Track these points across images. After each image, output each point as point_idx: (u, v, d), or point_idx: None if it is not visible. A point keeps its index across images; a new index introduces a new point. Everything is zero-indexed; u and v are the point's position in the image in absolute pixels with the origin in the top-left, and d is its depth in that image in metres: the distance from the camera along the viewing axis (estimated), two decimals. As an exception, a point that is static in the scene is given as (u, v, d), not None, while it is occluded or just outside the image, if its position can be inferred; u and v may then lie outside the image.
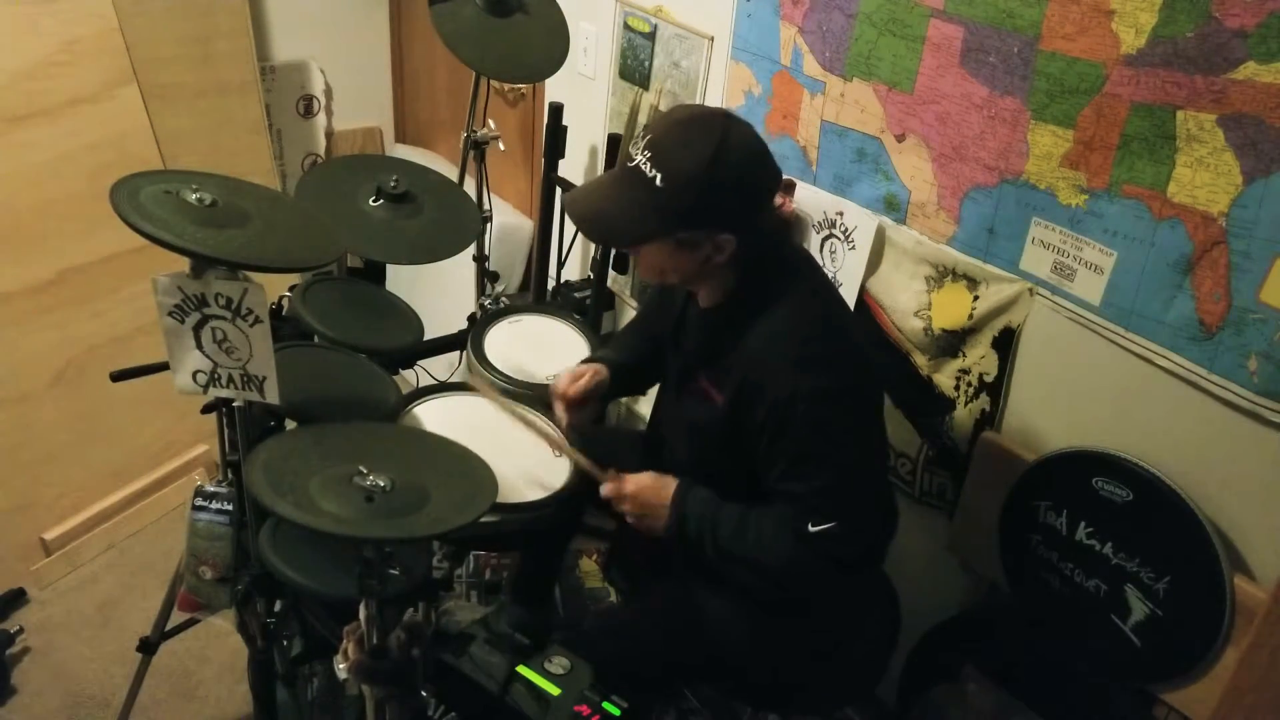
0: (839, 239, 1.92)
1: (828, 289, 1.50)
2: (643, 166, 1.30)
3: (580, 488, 1.61)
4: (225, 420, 1.47)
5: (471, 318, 2.34)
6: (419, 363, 2.21)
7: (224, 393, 1.34)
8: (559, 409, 1.61)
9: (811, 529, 1.32)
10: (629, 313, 2.67)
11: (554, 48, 2.14)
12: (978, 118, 1.61)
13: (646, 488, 1.48)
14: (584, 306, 2.49)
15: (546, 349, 2.07)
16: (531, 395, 1.83)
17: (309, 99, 3.21)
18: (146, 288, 1.25)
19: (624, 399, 2.77)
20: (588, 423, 1.67)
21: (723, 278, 1.42)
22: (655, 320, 1.74)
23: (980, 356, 1.72)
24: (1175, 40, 1.32)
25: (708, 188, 1.28)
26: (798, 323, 1.37)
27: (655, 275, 1.43)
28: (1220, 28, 1.27)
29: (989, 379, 1.72)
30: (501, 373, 1.93)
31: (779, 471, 1.35)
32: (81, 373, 2.40)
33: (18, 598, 2.36)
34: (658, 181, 1.28)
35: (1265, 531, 1.39)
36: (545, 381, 1.91)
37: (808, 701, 1.63)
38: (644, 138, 1.32)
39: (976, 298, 1.70)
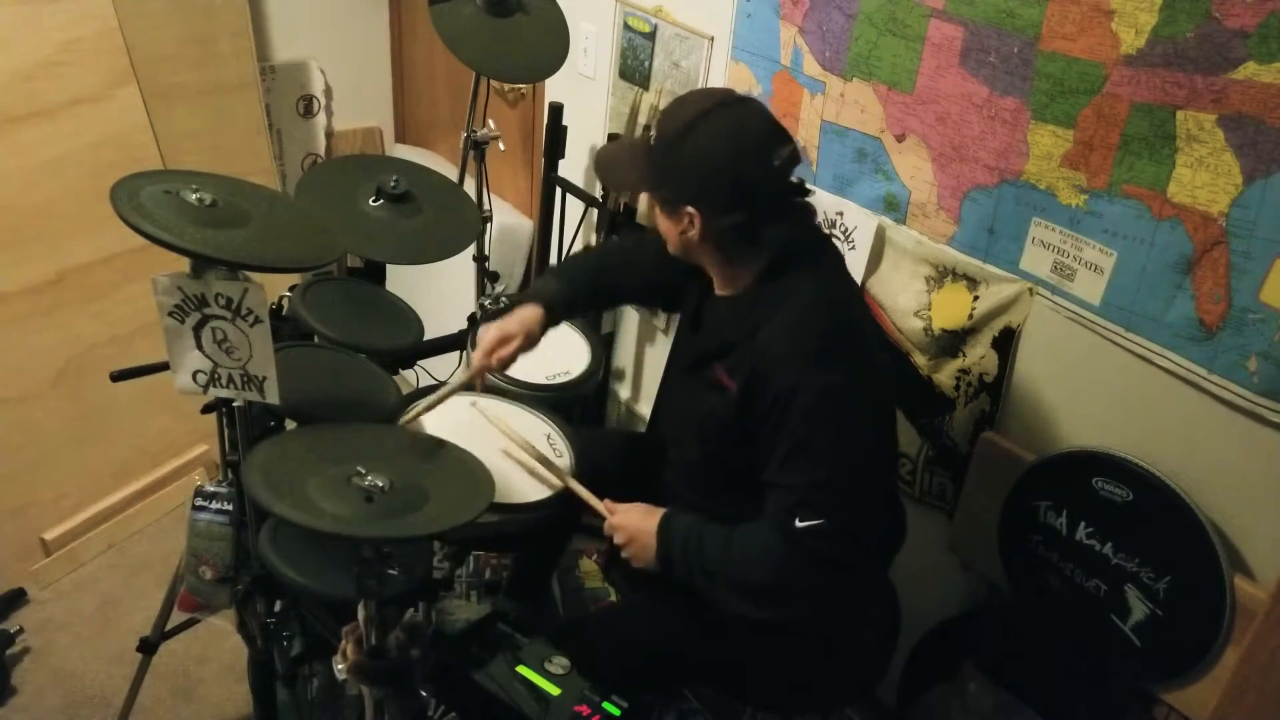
0: (839, 239, 1.92)
1: (848, 284, 1.51)
2: (652, 123, 1.41)
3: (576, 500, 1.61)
4: (225, 420, 1.47)
5: (471, 318, 2.34)
6: (419, 363, 2.21)
7: (224, 393, 1.34)
8: (477, 363, 1.57)
9: (798, 524, 1.29)
10: (629, 313, 2.67)
11: (554, 48, 2.14)
12: (978, 118, 1.61)
13: (634, 518, 1.48)
14: (584, 306, 2.49)
15: (546, 349, 2.07)
16: (531, 396, 1.83)
17: (309, 99, 3.21)
18: (146, 288, 1.25)
19: (624, 400, 2.77)
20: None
21: (726, 264, 1.44)
22: (636, 251, 1.73)
23: (980, 356, 1.72)
24: (1175, 40, 1.32)
25: (675, 152, 1.35)
26: (811, 316, 1.37)
27: (663, 240, 1.48)
28: (1220, 28, 1.27)
29: (989, 379, 1.72)
30: (501, 372, 1.93)
31: (776, 462, 1.34)
32: (81, 373, 2.40)
33: (18, 598, 2.36)
34: (652, 139, 1.39)
35: (1265, 531, 1.39)
36: (545, 381, 1.92)
37: (808, 701, 1.63)
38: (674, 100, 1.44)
39: (976, 298, 1.70)
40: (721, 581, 1.38)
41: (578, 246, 2.71)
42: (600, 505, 1.53)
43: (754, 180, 1.35)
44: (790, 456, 1.33)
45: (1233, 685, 1.38)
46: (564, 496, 1.57)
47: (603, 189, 2.43)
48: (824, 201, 1.94)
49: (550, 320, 1.62)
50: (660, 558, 1.43)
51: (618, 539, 1.49)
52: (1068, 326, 1.58)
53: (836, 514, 1.30)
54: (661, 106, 2.30)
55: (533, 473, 1.58)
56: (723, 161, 1.33)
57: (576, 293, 1.67)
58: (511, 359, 1.58)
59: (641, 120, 2.38)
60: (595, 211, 2.51)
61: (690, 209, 1.36)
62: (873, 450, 1.39)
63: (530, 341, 1.59)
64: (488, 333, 1.59)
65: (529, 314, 1.60)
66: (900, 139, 1.76)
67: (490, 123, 2.21)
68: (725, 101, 1.35)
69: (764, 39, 1.98)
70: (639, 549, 1.46)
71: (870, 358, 1.42)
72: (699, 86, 2.18)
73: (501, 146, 2.26)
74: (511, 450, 1.60)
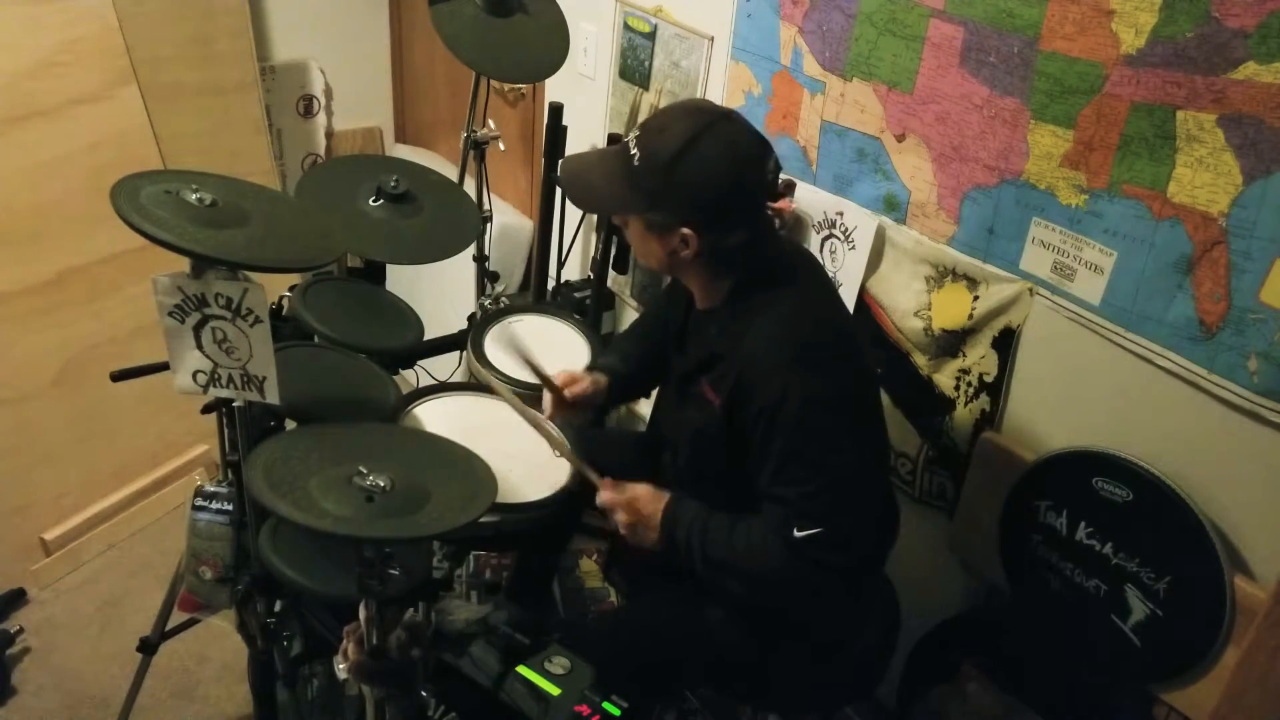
0: (839, 239, 1.92)
1: (827, 291, 1.50)
2: (630, 143, 1.35)
3: (580, 488, 1.61)
4: (225, 420, 1.47)
5: (471, 318, 2.34)
6: (419, 363, 2.21)
7: (224, 393, 1.34)
8: (548, 403, 1.62)
9: (797, 534, 1.30)
10: (629, 313, 2.67)
11: (554, 48, 2.14)
12: (978, 118, 1.61)
13: (640, 497, 1.47)
14: (584, 306, 2.49)
15: (546, 349, 2.07)
16: (532, 395, 1.83)
17: (309, 99, 3.21)
18: (146, 288, 1.25)
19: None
20: (576, 424, 1.68)
21: (712, 278, 1.43)
22: (656, 324, 1.74)
23: (980, 356, 1.72)
24: (1175, 40, 1.32)
25: (670, 176, 1.30)
26: (793, 325, 1.36)
27: (640, 257, 1.46)
28: (1220, 28, 1.27)
29: (989, 379, 1.72)
30: (501, 373, 1.93)
31: (768, 474, 1.34)
32: (81, 373, 2.40)
33: (18, 598, 2.36)
34: (635, 160, 1.33)
35: (1265, 531, 1.39)
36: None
37: (808, 701, 1.63)
38: (647, 119, 1.38)
39: (976, 298, 1.70)
40: (721, 570, 1.39)
41: (578, 247, 2.71)
42: (596, 478, 1.51)
43: (753, 198, 1.35)
44: (782, 468, 1.33)
45: (1233, 685, 1.38)
46: (565, 495, 1.57)
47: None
48: (824, 201, 1.94)
49: (613, 389, 1.69)
50: (664, 542, 1.43)
51: (619, 516, 1.48)
52: (1068, 326, 1.58)
53: (833, 522, 1.31)
54: (663, 106, 2.31)
55: (544, 434, 1.58)
56: (724, 183, 1.31)
57: (629, 364, 1.73)
58: (582, 397, 1.63)
59: (642, 120, 2.38)
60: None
61: (687, 231, 1.33)
62: (864, 454, 1.39)
63: (595, 387, 1.65)
64: (559, 375, 1.64)
65: (598, 375, 1.68)
66: (900, 139, 1.76)
67: (490, 123, 2.21)
68: (713, 120, 1.31)
69: (764, 39, 1.98)
70: (641, 530, 1.46)
71: (854, 361, 1.42)
72: (699, 86, 2.18)
73: (501, 146, 2.26)
74: (514, 407, 1.60)
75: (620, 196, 1.37)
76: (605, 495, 1.49)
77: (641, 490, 1.48)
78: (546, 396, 1.63)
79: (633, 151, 1.33)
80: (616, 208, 1.42)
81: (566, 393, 1.61)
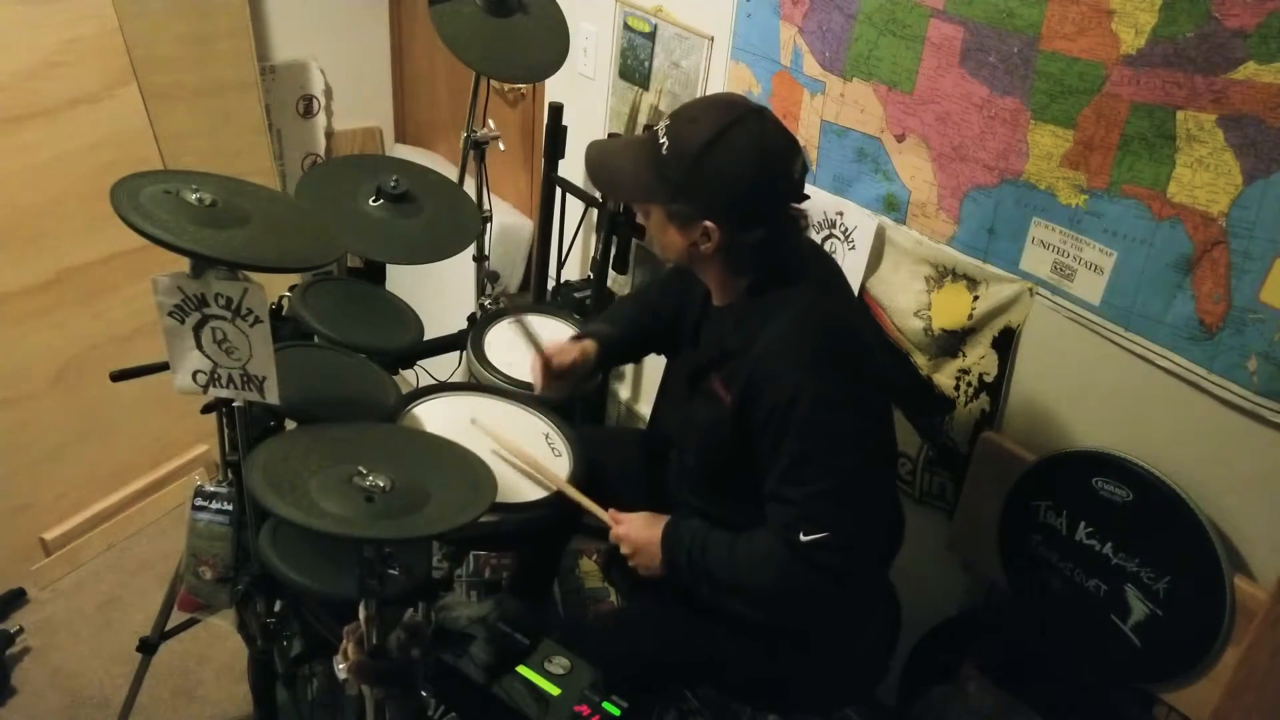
0: (839, 239, 1.92)
1: (843, 292, 1.50)
2: (659, 131, 1.34)
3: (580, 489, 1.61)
4: (225, 420, 1.47)
5: (471, 318, 2.34)
6: (419, 363, 2.21)
7: (224, 393, 1.34)
8: (537, 372, 1.63)
9: (803, 538, 1.29)
10: (629, 313, 2.67)
11: (554, 48, 2.14)
12: (978, 118, 1.61)
13: (638, 527, 1.48)
14: (584, 306, 2.49)
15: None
16: (531, 395, 1.83)
17: (309, 99, 3.21)
18: (146, 288, 1.25)
19: (624, 400, 2.78)
20: (560, 394, 1.69)
21: (729, 275, 1.43)
22: (661, 297, 1.73)
23: (980, 356, 1.72)
24: (1175, 40, 1.32)
25: (696, 167, 1.30)
26: (806, 326, 1.36)
27: (659, 249, 1.46)
28: (1220, 28, 1.27)
29: (989, 379, 1.72)
30: (501, 373, 1.93)
31: (776, 475, 1.34)
32: (81, 373, 2.40)
33: (18, 598, 2.36)
34: (664, 149, 1.33)
35: (1265, 531, 1.39)
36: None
37: (808, 701, 1.63)
38: (679, 108, 1.39)
39: (976, 298, 1.70)
40: (726, 588, 1.39)
41: (578, 247, 2.71)
42: (605, 515, 1.53)
43: (778, 196, 1.35)
44: (790, 469, 1.32)
45: (1233, 685, 1.38)
46: (566, 498, 1.57)
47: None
48: (824, 201, 1.94)
49: (602, 354, 1.69)
50: (666, 565, 1.44)
51: (624, 549, 1.50)
52: (1068, 326, 1.58)
53: (840, 526, 1.29)
54: (662, 107, 2.31)
55: (538, 484, 1.58)
56: (751, 179, 1.30)
57: (622, 328, 1.74)
58: (567, 368, 1.64)
59: (641, 120, 2.38)
60: (595, 212, 2.51)
61: (710, 224, 1.33)
62: (872, 456, 1.38)
63: (584, 357, 1.66)
64: (548, 347, 1.67)
65: (586, 343, 1.69)
66: (900, 139, 1.76)
67: (490, 123, 2.21)
68: (744, 114, 1.31)
69: (764, 39, 1.98)
70: (645, 559, 1.47)
71: (866, 363, 1.41)
72: (699, 86, 2.18)
73: (501, 146, 2.26)
74: (516, 465, 1.60)
75: (646, 185, 1.37)
76: (613, 531, 1.51)
77: (639, 517, 1.49)
78: (535, 367, 1.65)
79: (661, 140, 1.33)
80: (641, 196, 1.41)
81: (554, 364, 1.62)
